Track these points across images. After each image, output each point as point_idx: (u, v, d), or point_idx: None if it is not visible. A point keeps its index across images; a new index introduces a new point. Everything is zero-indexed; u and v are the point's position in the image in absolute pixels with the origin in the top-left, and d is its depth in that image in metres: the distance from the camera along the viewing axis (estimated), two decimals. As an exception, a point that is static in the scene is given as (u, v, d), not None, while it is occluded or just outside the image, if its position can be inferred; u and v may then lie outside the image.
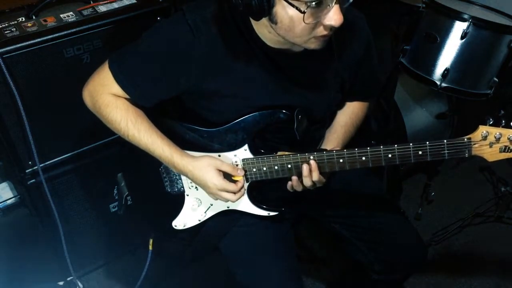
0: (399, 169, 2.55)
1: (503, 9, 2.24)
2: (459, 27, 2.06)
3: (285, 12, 1.22)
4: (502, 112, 1.29)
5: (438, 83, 2.17)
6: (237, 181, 1.49)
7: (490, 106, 2.13)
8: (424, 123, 2.56)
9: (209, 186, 1.46)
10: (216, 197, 1.50)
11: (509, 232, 2.57)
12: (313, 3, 1.17)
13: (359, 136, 1.69)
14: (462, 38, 2.06)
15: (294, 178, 1.48)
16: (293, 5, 1.19)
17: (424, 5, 2.15)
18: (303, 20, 1.20)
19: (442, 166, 2.81)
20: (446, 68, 2.13)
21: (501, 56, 2.12)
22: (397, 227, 1.70)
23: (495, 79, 2.16)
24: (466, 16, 2.04)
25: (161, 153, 1.46)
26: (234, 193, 1.47)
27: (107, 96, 1.45)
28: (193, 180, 1.50)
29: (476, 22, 2.03)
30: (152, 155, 1.48)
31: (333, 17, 1.20)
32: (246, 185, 1.53)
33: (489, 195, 2.73)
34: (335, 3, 1.19)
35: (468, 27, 2.03)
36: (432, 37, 2.14)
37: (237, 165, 1.51)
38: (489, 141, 1.28)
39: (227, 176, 1.48)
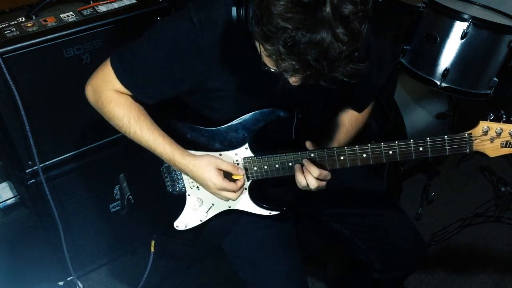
0: (399, 169, 2.55)
1: (503, 9, 2.24)
2: (459, 27, 2.06)
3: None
4: (502, 111, 1.29)
5: (438, 83, 2.17)
6: (237, 180, 1.49)
7: (490, 106, 2.12)
8: (424, 123, 2.56)
9: (209, 185, 1.46)
10: (216, 196, 1.50)
11: (509, 232, 2.57)
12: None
13: (358, 136, 1.69)
14: (462, 38, 2.06)
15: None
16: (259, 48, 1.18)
17: (424, 5, 2.15)
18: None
19: (442, 166, 2.81)
20: (446, 68, 2.13)
21: (501, 56, 2.12)
22: (398, 226, 1.70)
23: (495, 79, 2.16)
24: (466, 16, 2.03)
25: (162, 151, 1.46)
26: (234, 191, 1.48)
27: (110, 92, 1.45)
28: (193, 179, 1.50)
29: (476, 22, 2.03)
30: (154, 153, 1.48)
31: (291, 79, 1.19)
32: (247, 184, 1.53)
33: (489, 195, 2.73)
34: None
35: (468, 27, 2.03)
36: (432, 37, 2.14)
37: (238, 164, 1.51)
38: (490, 136, 1.26)
39: (228, 175, 1.49)
